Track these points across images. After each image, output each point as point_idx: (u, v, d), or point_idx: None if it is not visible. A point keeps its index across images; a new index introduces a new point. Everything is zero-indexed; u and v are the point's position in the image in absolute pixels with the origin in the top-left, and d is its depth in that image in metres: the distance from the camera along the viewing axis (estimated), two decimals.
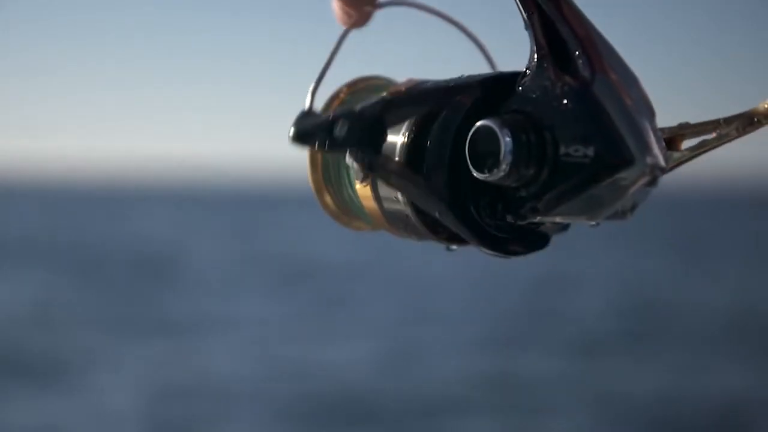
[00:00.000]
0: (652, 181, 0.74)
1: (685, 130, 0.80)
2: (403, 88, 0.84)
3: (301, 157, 0.89)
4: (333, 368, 9.46)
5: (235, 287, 15.68)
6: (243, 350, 10.29)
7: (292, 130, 0.85)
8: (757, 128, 0.79)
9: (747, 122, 0.79)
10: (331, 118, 0.83)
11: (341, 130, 0.83)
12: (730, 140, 0.79)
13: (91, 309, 12.78)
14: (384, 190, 0.83)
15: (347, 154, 0.83)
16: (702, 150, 0.80)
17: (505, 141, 0.75)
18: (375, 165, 0.82)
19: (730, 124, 0.79)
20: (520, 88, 0.77)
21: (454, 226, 0.80)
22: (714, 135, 0.79)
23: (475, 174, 0.77)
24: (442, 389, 8.72)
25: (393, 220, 0.84)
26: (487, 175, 0.76)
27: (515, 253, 0.81)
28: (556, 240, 0.82)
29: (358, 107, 0.83)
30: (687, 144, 0.80)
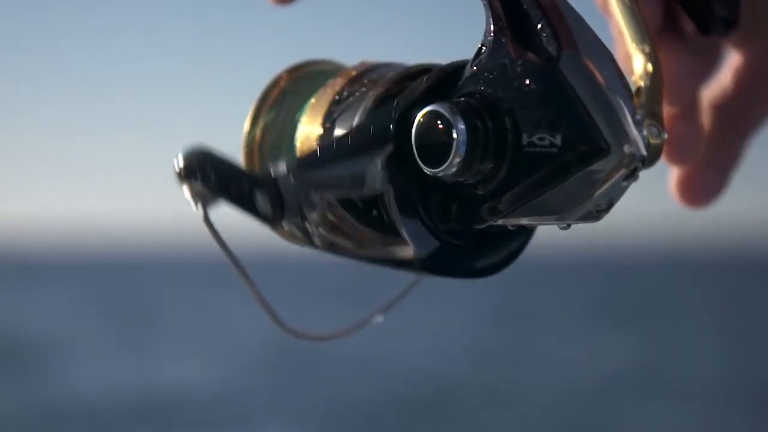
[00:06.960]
0: (631, 174, 0.65)
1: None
2: (354, 73, 0.73)
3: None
4: None
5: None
6: None
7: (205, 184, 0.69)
8: None
9: None
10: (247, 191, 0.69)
11: (264, 205, 0.69)
12: None
13: None
14: None
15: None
16: None
17: (458, 129, 0.64)
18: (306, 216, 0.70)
19: None
20: (475, 67, 0.66)
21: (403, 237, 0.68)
22: None
23: (424, 169, 0.66)
24: None
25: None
26: (437, 169, 0.65)
27: (479, 273, 0.69)
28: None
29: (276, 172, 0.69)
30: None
